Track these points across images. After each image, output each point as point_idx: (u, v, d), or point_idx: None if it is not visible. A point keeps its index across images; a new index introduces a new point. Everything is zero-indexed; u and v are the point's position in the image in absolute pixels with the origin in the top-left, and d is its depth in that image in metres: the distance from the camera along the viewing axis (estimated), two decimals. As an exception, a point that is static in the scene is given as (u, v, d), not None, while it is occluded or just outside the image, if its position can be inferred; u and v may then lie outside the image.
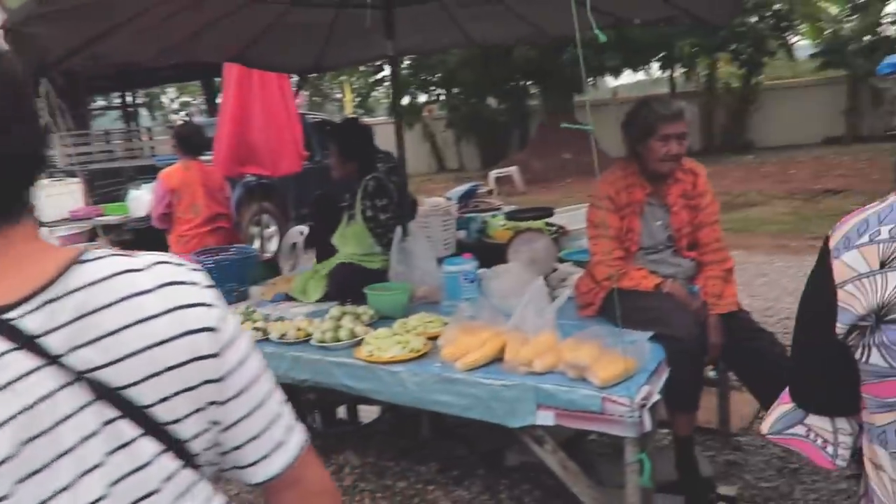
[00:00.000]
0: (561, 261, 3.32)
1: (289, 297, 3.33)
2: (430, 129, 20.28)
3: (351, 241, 3.33)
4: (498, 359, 2.21)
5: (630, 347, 2.01)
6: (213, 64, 13.47)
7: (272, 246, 8.13)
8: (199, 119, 19.75)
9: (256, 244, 7.64)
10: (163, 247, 7.97)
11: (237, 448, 0.84)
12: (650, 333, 2.24)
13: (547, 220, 3.40)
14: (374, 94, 22.34)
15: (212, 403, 0.79)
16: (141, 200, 7.40)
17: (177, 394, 0.75)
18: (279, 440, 0.86)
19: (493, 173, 12.75)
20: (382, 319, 2.85)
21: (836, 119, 15.59)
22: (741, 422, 3.16)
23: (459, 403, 2.15)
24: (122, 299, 0.74)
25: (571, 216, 4.46)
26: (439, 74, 18.29)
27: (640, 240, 2.62)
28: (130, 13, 2.70)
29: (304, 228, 4.95)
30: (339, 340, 2.53)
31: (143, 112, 23.60)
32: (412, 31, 3.71)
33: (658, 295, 2.47)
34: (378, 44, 4.06)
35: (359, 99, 21.86)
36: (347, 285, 3.22)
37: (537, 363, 2.06)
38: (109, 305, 0.73)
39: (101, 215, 7.55)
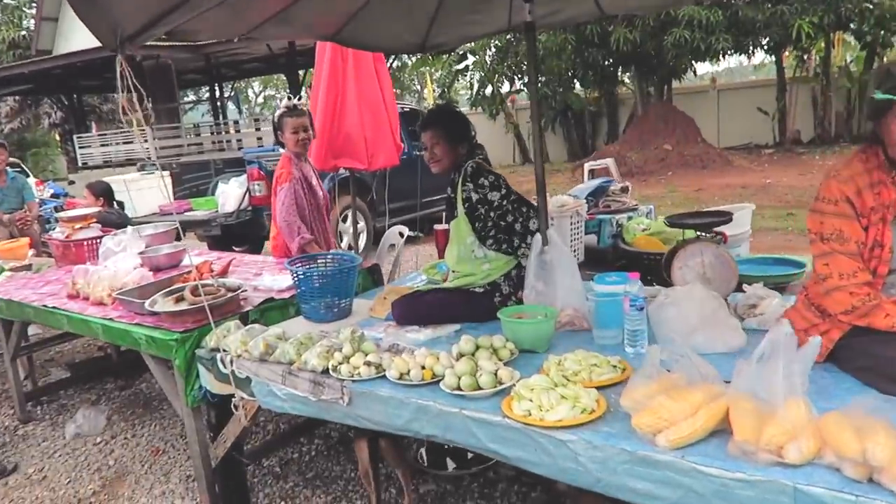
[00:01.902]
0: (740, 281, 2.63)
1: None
2: (514, 120, 19.59)
3: (453, 246, 2.78)
4: (715, 432, 1.57)
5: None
6: (299, 54, 13.36)
7: (360, 243, 7.72)
8: (283, 112, 19.59)
9: (344, 242, 7.23)
10: (253, 245, 7.68)
11: None
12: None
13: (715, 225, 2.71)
14: (456, 84, 21.76)
15: None
16: (229, 195, 7.11)
17: None
18: None
19: (588, 165, 11.87)
20: (522, 353, 2.27)
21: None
22: None
23: (666, 496, 1.53)
24: None
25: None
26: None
27: (893, 258, 1.91)
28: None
29: (404, 229, 4.42)
30: (479, 388, 1.95)
31: (231, 106, 24.00)
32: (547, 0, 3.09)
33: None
34: (496, 15, 3.49)
35: (440, 90, 21.37)
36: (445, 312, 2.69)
37: (792, 450, 1.41)
38: None
39: (190, 210, 7.32)
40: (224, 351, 2.58)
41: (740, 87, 19.07)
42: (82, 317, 3.19)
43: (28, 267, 4.54)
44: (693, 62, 15.65)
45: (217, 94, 18.59)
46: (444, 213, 3.05)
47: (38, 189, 14.82)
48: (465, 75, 19.19)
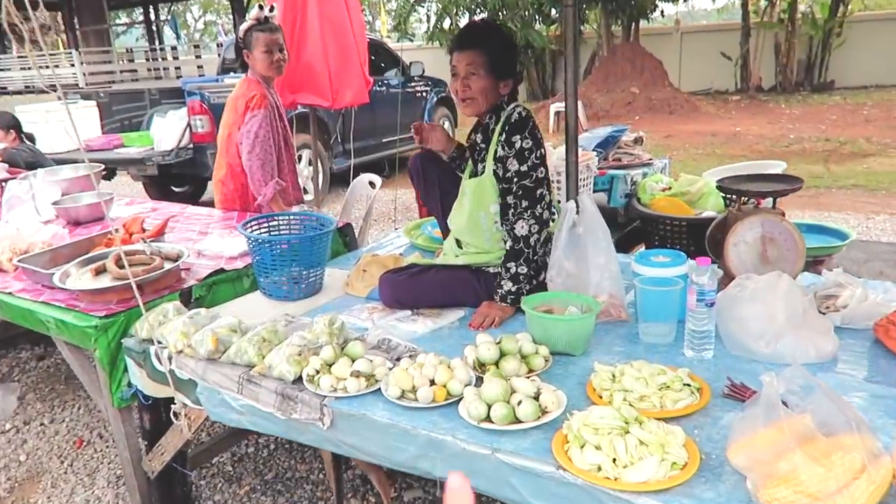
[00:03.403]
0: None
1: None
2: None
3: (466, 210, 2.20)
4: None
5: None
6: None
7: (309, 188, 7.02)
8: (224, 39, 18.30)
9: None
10: (196, 187, 6.89)
11: None
12: None
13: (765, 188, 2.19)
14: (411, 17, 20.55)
15: None
16: (166, 130, 6.28)
17: None
18: None
19: (554, 107, 11.36)
20: (556, 357, 1.76)
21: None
22: None
23: None
24: None
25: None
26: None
27: None
28: None
29: (375, 178, 3.81)
30: (516, 420, 1.43)
31: (168, 31, 22.27)
32: None
33: None
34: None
35: (394, 22, 20.17)
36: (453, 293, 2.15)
37: None
38: None
39: (121, 146, 6.46)
40: (159, 343, 1.99)
41: (704, 31, 18.59)
42: (-26, 288, 2.51)
43: (-84, 214, 3.75)
44: (658, 1, 15.08)
45: (152, 16, 17.00)
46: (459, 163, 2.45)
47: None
48: (423, 5, 18.10)
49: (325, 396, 1.65)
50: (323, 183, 6.94)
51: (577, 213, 2.02)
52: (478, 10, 17.16)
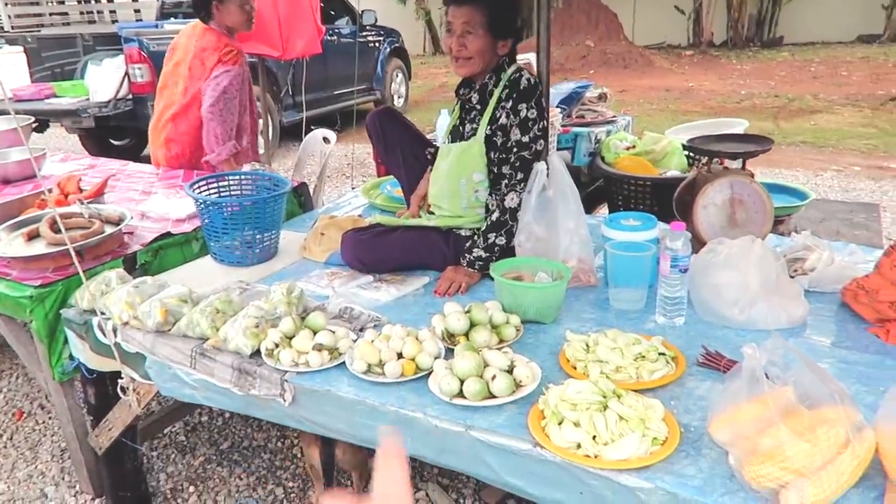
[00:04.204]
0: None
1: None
2: (425, 6, 18.21)
3: (445, 174, 2.09)
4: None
5: None
6: None
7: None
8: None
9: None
10: (139, 141, 6.55)
11: None
12: None
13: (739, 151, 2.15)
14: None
15: None
16: (102, 79, 5.90)
17: None
18: None
19: (519, 59, 11.16)
20: (526, 325, 1.70)
21: (875, 14, 14.07)
22: None
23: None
24: None
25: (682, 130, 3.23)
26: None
27: None
28: None
29: (330, 133, 3.64)
30: (490, 396, 1.37)
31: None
32: None
33: None
34: None
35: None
36: (419, 255, 2.06)
37: None
38: None
39: (53, 96, 6.04)
40: (102, 314, 1.85)
41: (658, -17, 18.50)
42: None
43: None
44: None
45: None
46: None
47: None
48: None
49: (285, 371, 1.55)
50: (272, 138, 6.68)
51: (547, 175, 1.94)
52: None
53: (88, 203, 2.38)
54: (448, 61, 2.18)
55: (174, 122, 2.99)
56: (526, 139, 1.96)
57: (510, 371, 1.42)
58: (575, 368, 1.49)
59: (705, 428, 1.26)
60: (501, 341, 1.60)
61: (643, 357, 1.46)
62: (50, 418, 2.75)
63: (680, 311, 1.71)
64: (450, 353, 1.56)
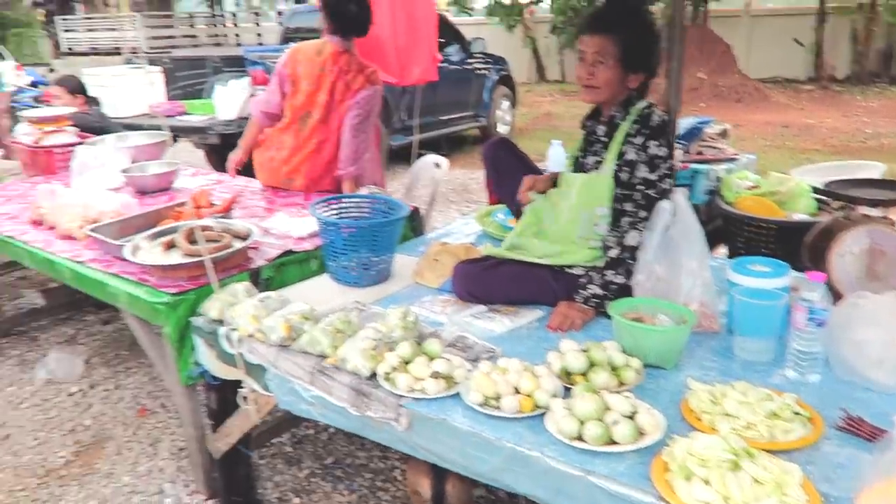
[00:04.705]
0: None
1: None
2: (532, 34, 18.31)
3: (566, 208, 2.07)
4: None
5: None
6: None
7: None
8: (284, 7, 18.34)
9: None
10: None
11: None
12: None
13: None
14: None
15: None
16: (228, 99, 6.29)
17: None
18: None
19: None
20: (645, 370, 1.65)
21: None
22: None
23: None
24: None
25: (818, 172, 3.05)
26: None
27: None
28: None
29: (441, 159, 3.71)
30: (612, 442, 1.34)
31: (227, -4, 22.41)
32: None
33: None
34: None
35: (453, -7, 19.85)
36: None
37: None
38: None
39: (183, 113, 6.50)
40: (229, 325, 1.95)
41: (775, 14, 17.75)
42: (47, 255, 2.53)
43: (-10, 174, 3.84)
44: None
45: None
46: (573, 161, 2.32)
47: (17, 73, 13.71)
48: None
49: (401, 396, 1.58)
50: (382, 161, 6.89)
51: (672, 213, 1.89)
52: (539, -14, 16.77)
53: (219, 218, 2.53)
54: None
55: (319, 151, 3.07)
56: (653, 177, 1.92)
57: (632, 417, 1.38)
58: (699, 420, 1.43)
59: (849, 500, 1.17)
60: (621, 384, 1.56)
61: (776, 415, 1.38)
62: (169, 418, 2.92)
63: (814, 368, 1.61)
64: (566, 391, 1.53)
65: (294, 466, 2.59)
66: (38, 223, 2.82)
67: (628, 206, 1.95)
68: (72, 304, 4.00)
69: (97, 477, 2.59)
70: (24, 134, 3.87)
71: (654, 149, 1.92)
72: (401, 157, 6.84)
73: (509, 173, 2.44)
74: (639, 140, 1.93)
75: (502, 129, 9.30)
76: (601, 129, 2.06)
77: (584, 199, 2.03)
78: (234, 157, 3.29)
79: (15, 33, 23.09)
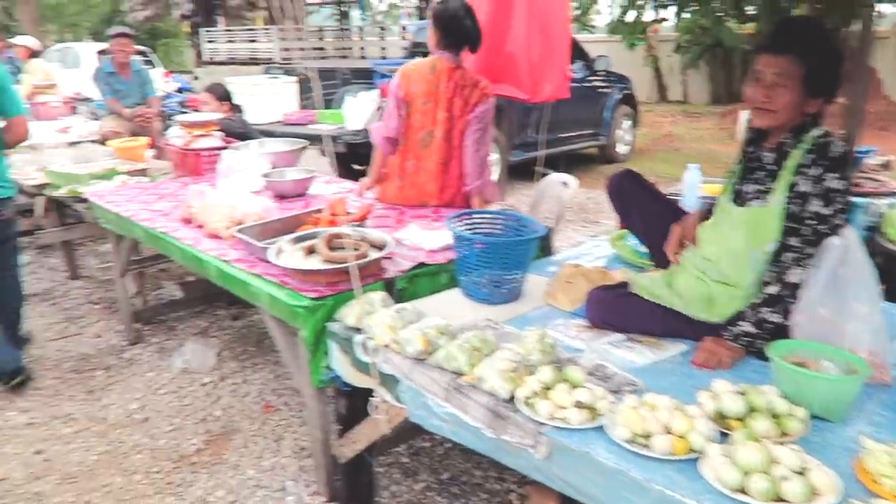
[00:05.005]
0: None
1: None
2: (655, 53, 17.82)
3: (726, 239, 1.95)
4: None
5: None
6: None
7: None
8: (407, 22, 18.81)
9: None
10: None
11: None
12: None
13: None
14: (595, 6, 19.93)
15: None
16: (357, 110, 6.51)
17: None
18: None
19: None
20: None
21: None
22: None
23: None
24: None
25: None
26: (680, -13, 15.67)
27: None
28: None
29: (570, 178, 3.64)
30: (778, 499, 1.23)
31: (353, 12, 23.34)
32: None
33: None
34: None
35: (577, 11, 19.69)
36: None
37: None
38: None
39: (314, 122, 6.80)
40: (366, 334, 1.98)
41: (929, 35, 16.30)
42: (195, 252, 2.68)
43: (143, 172, 4.15)
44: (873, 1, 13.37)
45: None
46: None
47: (164, 79, 14.88)
48: (606, -6, 17.48)
49: (542, 424, 1.53)
50: (500, 174, 6.89)
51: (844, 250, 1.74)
52: (667, 5, 16.32)
53: (356, 226, 2.59)
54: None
55: (445, 170, 3.09)
56: (827, 212, 1.77)
57: (801, 473, 1.26)
58: (875, 483, 1.29)
59: None
60: (783, 434, 1.44)
61: None
62: (292, 416, 3.01)
63: None
64: (722, 436, 1.43)
65: (410, 478, 2.60)
66: (187, 221, 3.00)
67: (794, 241, 1.80)
68: (205, 298, 4.24)
69: (224, 467, 2.71)
70: (176, 136, 4.16)
71: (832, 181, 1.76)
72: (518, 173, 6.82)
73: (632, 207, 2.35)
74: (814, 171, 1.78)
75: (622, 149, 9.07)
76: (768, 157, 1.92)
77: (754, 237, 1.86)
78: (364, 183, 3.38)
79: (164, 43, 25.21)
